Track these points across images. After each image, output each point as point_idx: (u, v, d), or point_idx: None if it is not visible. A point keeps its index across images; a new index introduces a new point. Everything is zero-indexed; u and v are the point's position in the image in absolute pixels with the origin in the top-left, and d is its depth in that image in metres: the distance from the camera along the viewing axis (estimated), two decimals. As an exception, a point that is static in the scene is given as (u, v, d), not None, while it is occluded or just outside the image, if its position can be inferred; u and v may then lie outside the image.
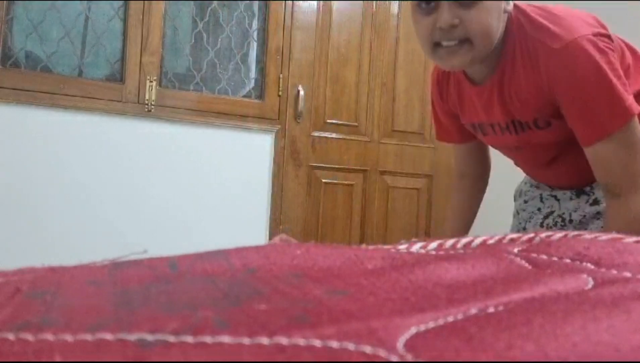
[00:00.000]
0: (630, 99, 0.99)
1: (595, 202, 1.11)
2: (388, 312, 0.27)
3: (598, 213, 1.10)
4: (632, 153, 1.00)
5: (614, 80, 0.98)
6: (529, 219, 1.26)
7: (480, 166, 1.36)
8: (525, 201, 1.28)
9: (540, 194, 1.24)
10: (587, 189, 1.14)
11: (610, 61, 0.99)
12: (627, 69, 1.05)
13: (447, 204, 3.00)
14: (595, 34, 0.99)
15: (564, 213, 1.19)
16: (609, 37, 1.02)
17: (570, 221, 1.16)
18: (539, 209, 1.24)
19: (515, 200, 1.34)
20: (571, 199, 1.17)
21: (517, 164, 1.27)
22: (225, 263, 0.35)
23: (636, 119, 1.00)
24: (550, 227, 1.19)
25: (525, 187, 1.31)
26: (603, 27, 1.03)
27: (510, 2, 1.03)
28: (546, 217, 1.21)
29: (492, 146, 1.27)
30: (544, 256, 0.40)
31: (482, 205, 1.40)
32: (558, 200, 1.19)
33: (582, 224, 1.13)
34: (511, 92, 1.06)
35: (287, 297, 0.28)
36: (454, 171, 1.39)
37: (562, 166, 1.13)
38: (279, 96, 2.68)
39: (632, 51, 1.10)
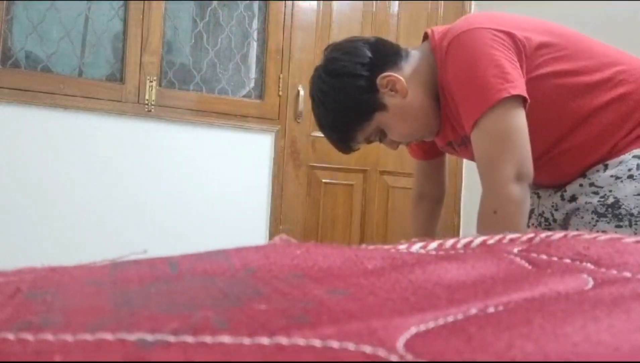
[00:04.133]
0: (504, 84, 0.95)
1: (573, 199, 1.10)
2: (388, 312, 0.27)
3: (577, 209, 1.09)
4: (493, 140, 0.97)
5: (489, 68, 0.96)
6: None
7: (438, 188, 1.39)
8: None
9: None
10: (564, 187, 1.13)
11: (494, 53, 0.97)
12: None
13: (447, 204, 3.00)
14: (487, 29, 0.99)
15: (543, 212, 1.18)
16: (509, 34, 1.00)
17: (554, 220, 1.16)
18: None
19: None
20: (550, 196, 1.16)
21: None
22: (225, 263, 0.35)
23: (508, 102, 0.95)
24: (536, 227, 1.19)
25: None
26: (513, 29, 1.01)
27: (392, 75, 1.06)
28: (529, 216, 1.21)
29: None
30: (544, 256, 0.40)
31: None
32: (539, 197, 1.19)
33: (565, 221, 1.12)
34: (451, 114, 1.09)
35: (287, 297, 0.28)
36: (413, 193, 1.42)
37: (540, 167, 1.11)
38: (279, 96, 2.68)
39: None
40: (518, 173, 0.96)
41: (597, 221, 1.04)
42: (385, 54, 1.09)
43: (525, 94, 0.97)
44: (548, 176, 1.12)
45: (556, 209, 1.14)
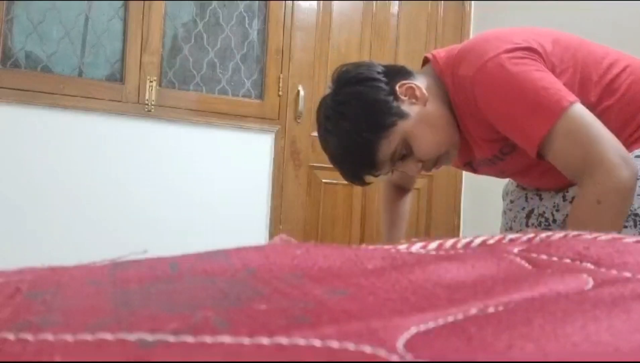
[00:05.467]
0: (559, 93, 0.94)
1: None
2: (388, 312, 0.27)
3: None
4: (580, 138, 0.94)
5: (536, 81, 0.95)
6: (514, 219, 1.25)
7: (412, 180, 1.44)
8: (512, 201, 1.28)
9: (526, 194, 1.24)
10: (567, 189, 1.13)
11: (527, 69, 0.96)
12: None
13: (447, 204, 3.00)
14: (508, 50, 0.97)
15: (544, 212, 1.17)
16: (529, 49, 0.99)
17: (554, 221, 1.15)
18: (523, 208, 1.24)
19: (503, 199, 1.34)
20: (551, 196, 1.16)
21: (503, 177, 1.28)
22: (225, 263, 0.35)
23: (574, 107, 0.94)
24: (536, 227, 1.18)
25: (511, 187, 1.30)
26: (528, 41, 1.01)
27: (414, 86, 1.04)
28: (528, 216, 1.21)
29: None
30: (544, 256, 0.40)
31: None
32: (542, 199, 1.19)
33: (565, 222, 1.11)
34: (470, 137, 1.09)
35: (287, 297, 0.28)
36: (388, 183, 1.44)
37: (550, 174, 1.11)
38: (279, 96, 2.68)
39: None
40: (622, 157, 0.92)
41: None
42: (396, 69, 1.08)
43: (576, 98, 0.95)
44: (553, 182, 1.13)
45: (557, 210, 1.14)
